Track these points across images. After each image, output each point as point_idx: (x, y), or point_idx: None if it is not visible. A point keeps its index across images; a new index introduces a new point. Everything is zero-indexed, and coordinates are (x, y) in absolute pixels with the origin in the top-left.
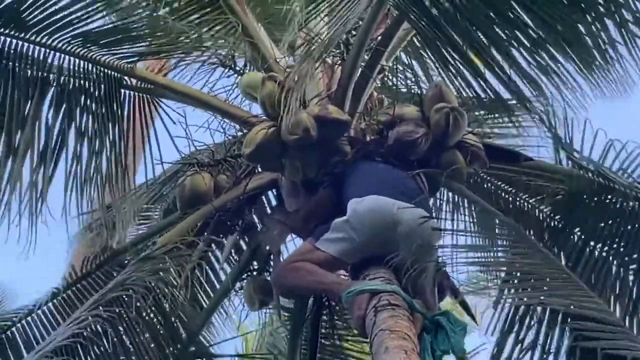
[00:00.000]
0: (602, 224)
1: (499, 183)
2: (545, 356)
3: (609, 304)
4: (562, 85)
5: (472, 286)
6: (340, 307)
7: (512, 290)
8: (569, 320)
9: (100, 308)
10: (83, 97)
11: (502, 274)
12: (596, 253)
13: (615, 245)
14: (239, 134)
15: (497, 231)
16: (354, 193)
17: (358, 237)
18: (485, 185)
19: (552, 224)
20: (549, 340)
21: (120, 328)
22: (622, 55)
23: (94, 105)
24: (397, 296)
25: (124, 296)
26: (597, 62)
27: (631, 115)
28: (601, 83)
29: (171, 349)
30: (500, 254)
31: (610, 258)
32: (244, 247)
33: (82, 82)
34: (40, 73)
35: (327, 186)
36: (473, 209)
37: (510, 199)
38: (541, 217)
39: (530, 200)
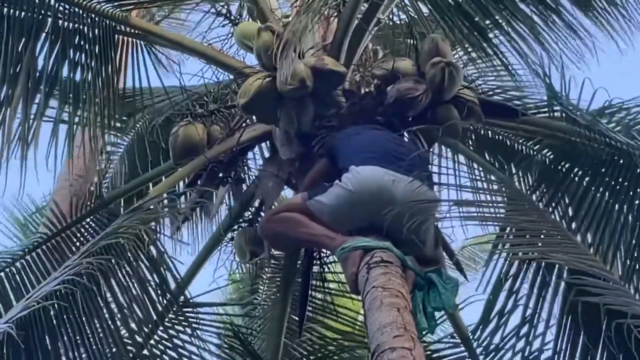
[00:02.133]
0: (598, 181)
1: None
2: (538, 312)
3: (605, 262)
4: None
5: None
6: (331, 260)
7: (507, 246)
8: (564, 275)
9: (92, 256)
10: (77, 37)
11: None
12: (592, 211)
13: (611, 203)
14: (234, 84)
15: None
16: (351, 160)
17: (351, 207)
18: (484, 131)
19: (550, 175)
20: (541, 298)
21: (111, 278)
22: None
23: (88, 49)
24: (390, 253)
25: (115, 245)
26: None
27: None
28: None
29: (160, 298)
30: (496, 210)
31: (607, 216)
32: (237, 198)
33: (76, 25)
34: (35, 16)
35: (325, 155)
36: (469, 164)
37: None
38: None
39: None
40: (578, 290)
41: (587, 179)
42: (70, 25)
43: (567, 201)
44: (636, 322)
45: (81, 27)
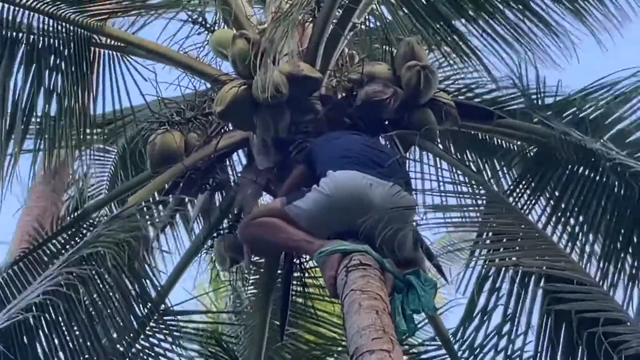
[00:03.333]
0: (574, 183)
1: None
2: (517, 316)
3: (581, 262)
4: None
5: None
6: (312, 265)
7: (484, 251)
8: (541, 281)
9: (72, 266)
10: (52, 56)
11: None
12: (568, 212)
13: (587, 205)
14: (210, 92)
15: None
16: (329, 165)
17: (328, 212)
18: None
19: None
20: (520, 300)
21: (91, 287)
22: None
23: (63, 64)
24: (368, 256)
25: (95, 254)
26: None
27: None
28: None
29: (141, 307)
30: (472, 214)
31: (582, 217)
32: (215, 205)
33: (51, 40)
34: (9, 32)
35: (302, 161)
36: (445, 167)
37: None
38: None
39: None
40: (554, 296)
41: (562, 180)
42: (45, 39)
43: (547, 197)
44: (609, 328)
45: (55, 40)
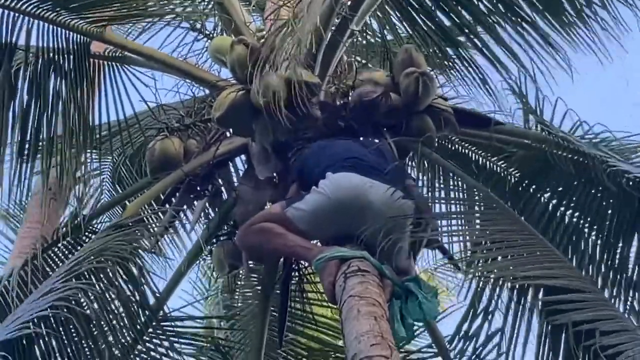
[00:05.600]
0: (572, 189)
1: (470, 146)
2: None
3: (579, 268)
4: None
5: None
6: (310, 271)
7: (482, 260)
8: (540, 291)
9: (75, 280)
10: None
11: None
12: (567, 218)
13: (585, 211)
14: (209, 98)
15: (467, 196)
16: (327, 169)
17: (329, 212)
18: (455, 147)
19: (522, 188)
20: (519, 309)
21: (92, 298)
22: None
23: (63, 75)
24: (366, 262)
25: (97, 269)
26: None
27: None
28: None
29: (140, 313)
30: (470, 221)
31: (581, 223)
32: (214, 211)
33: (50, 54)
34: (8, 38)
35: (294, 177)
36: (442, 173)
37: (482, 160)
38: (512, 180)
39: (501, 164)
40: (552, 307)
41: (556, 196)
42: (45, 55)
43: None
44: (605, 339)
45: (55, 52)
